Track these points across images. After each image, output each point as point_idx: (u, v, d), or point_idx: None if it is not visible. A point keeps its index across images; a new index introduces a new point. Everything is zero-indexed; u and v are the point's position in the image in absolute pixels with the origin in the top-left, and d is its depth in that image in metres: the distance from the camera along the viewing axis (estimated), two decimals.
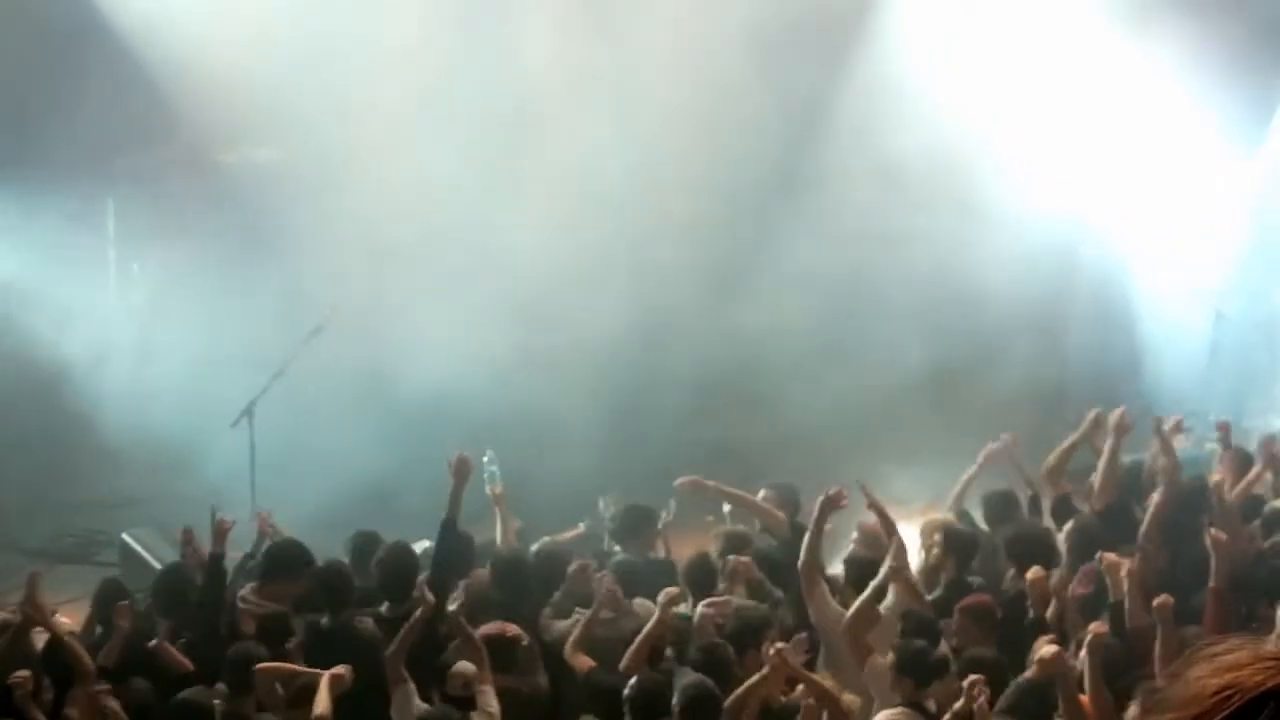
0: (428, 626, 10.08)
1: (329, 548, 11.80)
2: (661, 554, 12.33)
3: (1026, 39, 16.11)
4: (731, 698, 9.47)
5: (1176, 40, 15.40)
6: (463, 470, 11.19)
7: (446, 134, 14.80)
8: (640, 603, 11.05)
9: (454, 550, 11.37)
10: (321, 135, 14.77)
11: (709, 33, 15.19)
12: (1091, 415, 12.73)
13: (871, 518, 11.45)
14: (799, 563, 10.95)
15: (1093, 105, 16.19)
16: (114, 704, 9.69)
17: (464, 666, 9.84)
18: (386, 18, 15.00)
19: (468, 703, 9.68)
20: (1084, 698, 9.55)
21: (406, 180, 14.65)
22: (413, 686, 9.75)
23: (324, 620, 10.62)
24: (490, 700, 9.69)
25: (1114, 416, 12.42)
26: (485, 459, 12.26)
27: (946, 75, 15.95)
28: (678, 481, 12.39)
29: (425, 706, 9.76)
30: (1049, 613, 10.79)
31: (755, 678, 9.58)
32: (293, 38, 14.86)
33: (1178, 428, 13.01)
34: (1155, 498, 11.82)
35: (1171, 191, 16.19)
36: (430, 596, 10.15)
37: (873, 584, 10.60)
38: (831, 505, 10.83)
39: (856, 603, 10.46)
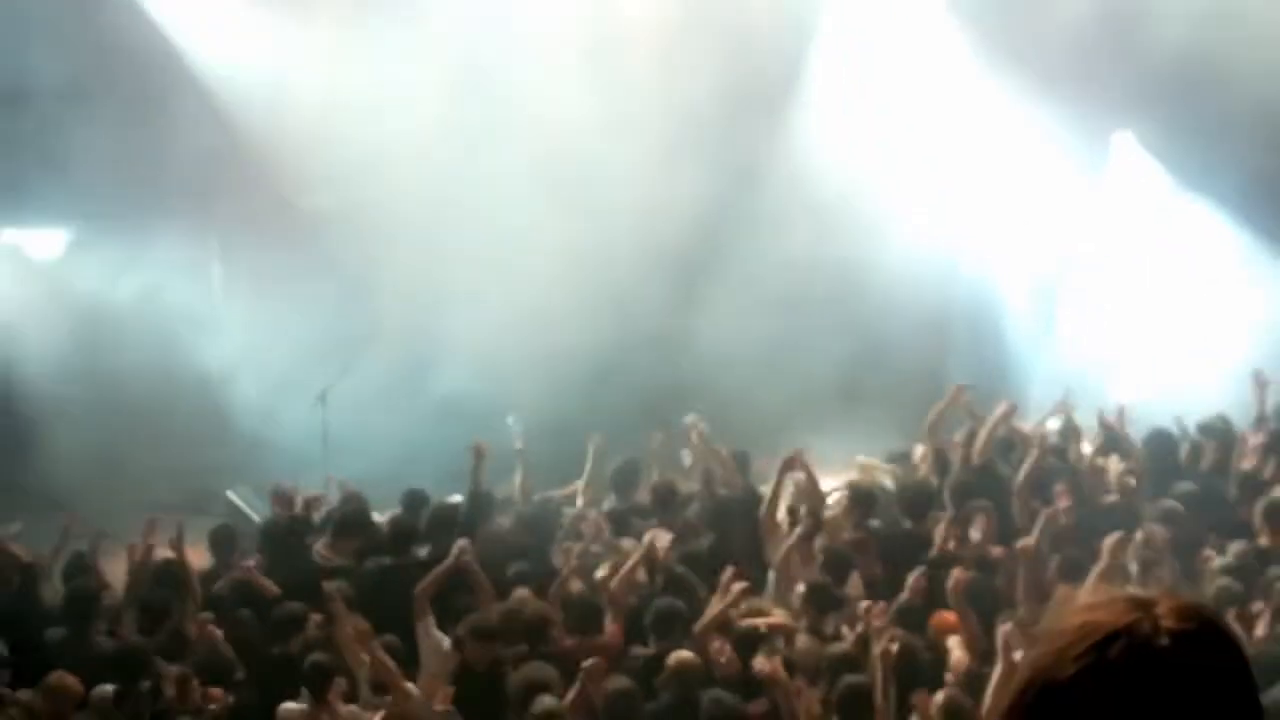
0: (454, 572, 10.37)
1: (387, 505, 12.44)
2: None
3: (913, 97, 16.64)
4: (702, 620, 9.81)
5: (1030, 82, 15.83)
6: (480, 452, 12.09)
7: (475, 178, 15.41)
8: (628, 541, 11.44)
9: (478, 506, 12.06)
10: (378, 181, 15.30)
11: (670, 92, 15.72)
12: (953, 390, 13.21)
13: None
14: (761, 512, 11.52)
15: (968, 149, 16.65)
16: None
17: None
18: (429, 83, 15.42)
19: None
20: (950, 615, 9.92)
21: (444, 216, 15.21)
22: (433, 619, 10.01)
23: (387, 561, 11.13)
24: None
25: (1001, 407, 12.96)
26: (510, 420, 12.94)
27: (856, 129, 16.41)
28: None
29: (441, 635, 9.99)
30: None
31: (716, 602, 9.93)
32: (352, 99, 15.50)
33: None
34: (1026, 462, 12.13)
35: (1028, 210, 16.67)
36: (463, 546, 10.42)
37: (796, 532, 11.13)
38: (789, 466, 11.58)
39: (784, 545, 11.09)
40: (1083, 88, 15.97)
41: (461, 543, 10.60)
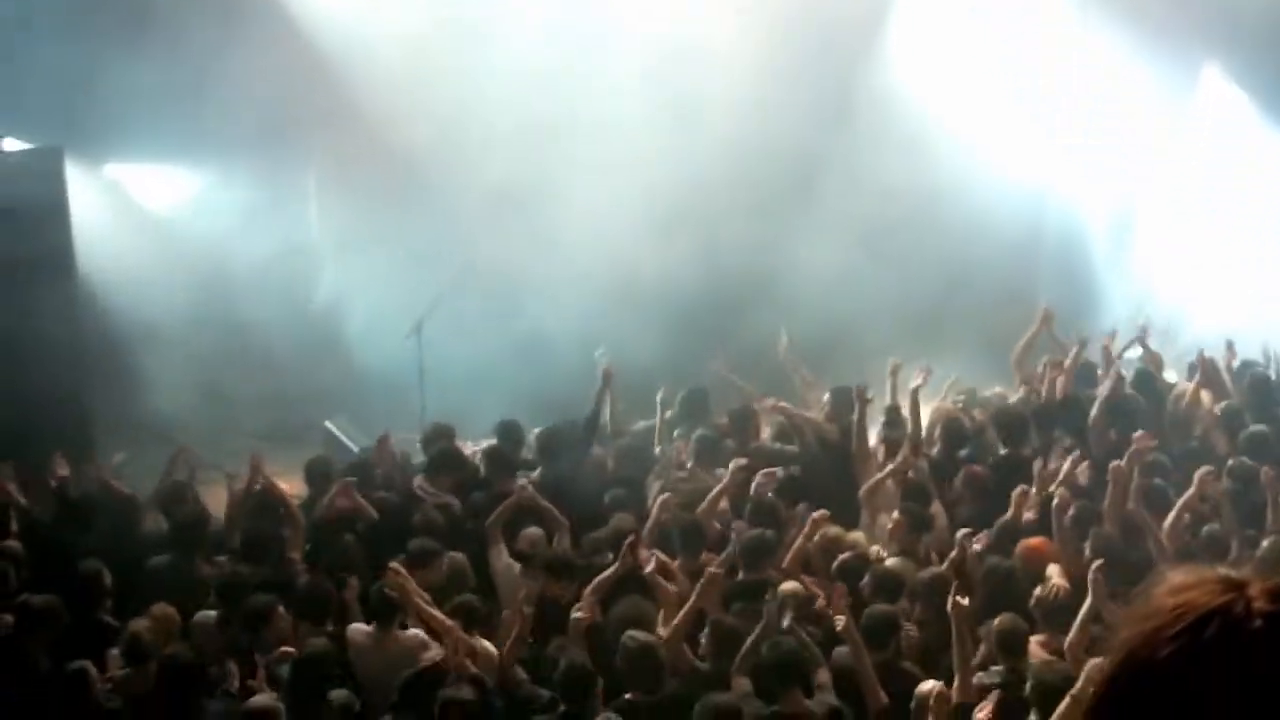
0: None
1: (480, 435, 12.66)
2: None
3: (1003, 26, 16.38)
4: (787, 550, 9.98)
5: (1121, 10, 15.90)
6: (608, 375, 12.26)
7: (568, 114, 15.38)
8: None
9: (592, 429, 12.21)
10: (470, 116, 15.29)
11: (755, 34, 15.49)
12: (1041, 312, 13.27)
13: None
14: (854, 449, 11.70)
15: (1058, 77, 16.44)
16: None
17: (531, 532, 10.58)
18: (523, 16, 15.47)
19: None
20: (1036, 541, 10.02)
21: (536, 151, 15.16)
22: (503, 545, 10.39)
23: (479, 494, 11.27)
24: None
25: (1075, 346, 13.00)
26: (598, 353, 12.76)
27: (945, 58, 16.32)
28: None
29: (512, 563, 10.32)
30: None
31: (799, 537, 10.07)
32: (445, 33, 15.38)
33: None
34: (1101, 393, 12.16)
35: (1116, 139, 16.47)
36: (527, 485, 10.69)
37: (889, 467, 11.24)
38: (861, 398, 11.61)
39: (871, 480, 11.21)
40: (1172, 18, 15.76)
41: (521, 480, 10.87)
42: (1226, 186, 16.33)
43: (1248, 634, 2.01)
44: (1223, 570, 2.12)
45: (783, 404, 12.49)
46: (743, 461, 11.04)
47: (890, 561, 10.01)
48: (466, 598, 9.59)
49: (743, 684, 8.61)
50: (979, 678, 8.35)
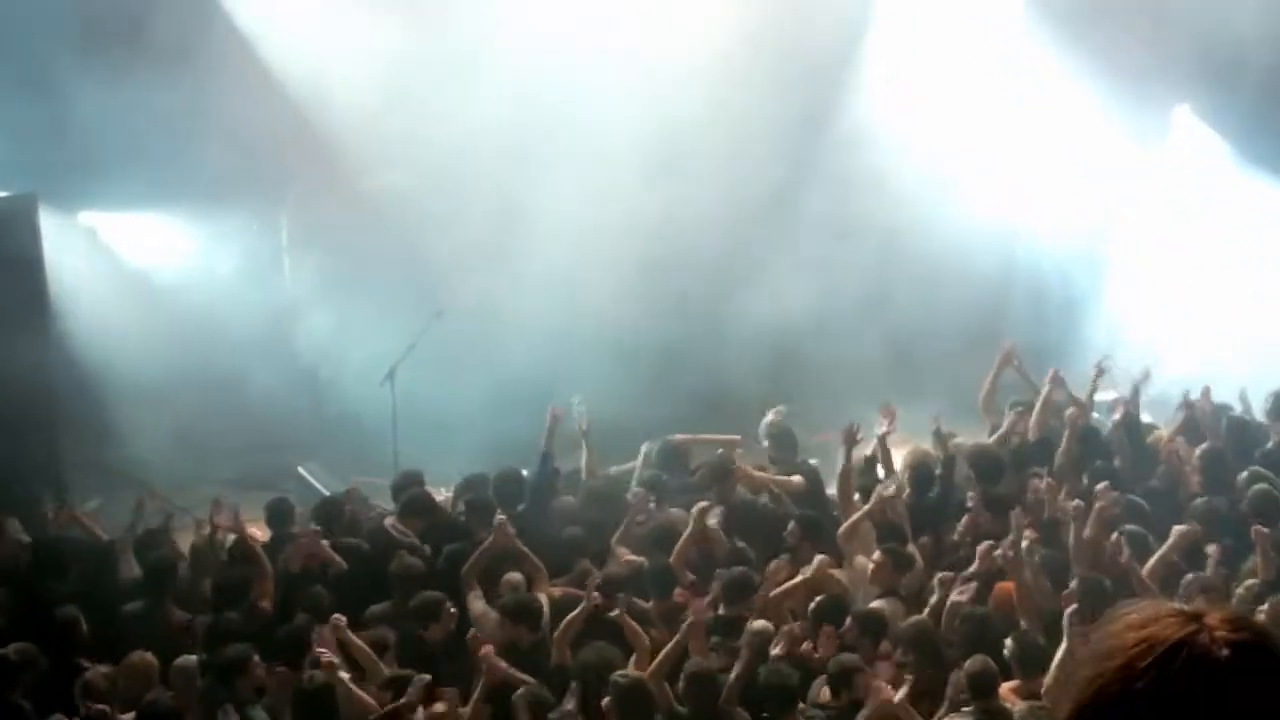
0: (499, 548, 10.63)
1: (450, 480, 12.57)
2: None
3: (974, 67, 16.43)
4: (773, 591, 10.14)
5: (1091, 54, 15.72)
6: (555, 418, 12.07)
7: (540, 158, 15.29)
8: (675, 512, 11.57)
9: (545, 477, 12.10)
10: (440, 162, 15.17)
11: (729, 77, 15.35)
12: (1004, 349, 13.15)
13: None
14: (837, 489, 11.60)
15: (1028, 119, 16.41)
16: None
17: (512, 577, 10.51)
18: (495, 65, 15.30)
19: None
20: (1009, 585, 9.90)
21: (509, 197, 15.24)
22: (479, 591, 10.43)
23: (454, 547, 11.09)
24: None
25: (1049, 376, 12.81)
26: (575, 401, 12.57)
27: (915, 99, 16.29)
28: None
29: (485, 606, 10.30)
30: None
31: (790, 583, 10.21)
32: (419, 82, 15.28)
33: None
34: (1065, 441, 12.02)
35: (1086, 181, 16.39)
36: (506, 526, 10.64)
37: (863, 509, 11.12)
38: (850, 438, 11.45)
39: (847, 523, 11.09)
40: (1143, 60, 15.80)
41: (500, 518, 10.81)
42: (1198, 226, 16.34)
43: (1215, 663, 2.04)
44: (1175, 604, 2.15)
45: (748, 470, 12.35)
46: (704, 505, 11.07)
47: (876, 603, 10.06)
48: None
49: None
50: (952, 719, 8.39)
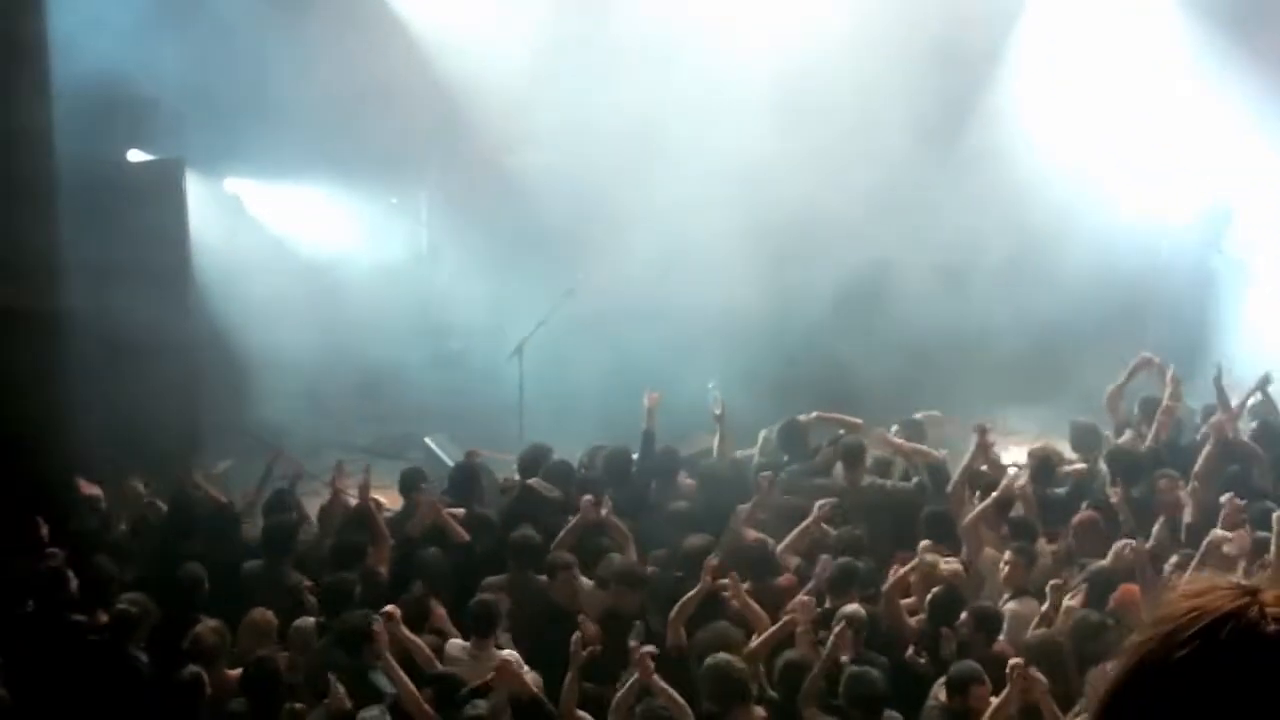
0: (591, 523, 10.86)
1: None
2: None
3: (1120, 69, 15.99)
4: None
5: (1240, 56, 15.35)
6: (653, 401, 12.28)
7: (673, 145, 15.15)
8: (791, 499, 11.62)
9: (651, 456, 12.26)
10: (578, 141, 15.19)
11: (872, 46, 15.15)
12: (1138, 360, 12.89)
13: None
14: (951, 484, 11.57)
15: (1174, 121, 15.88)
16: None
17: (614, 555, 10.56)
18: (632, 50, 15.31)
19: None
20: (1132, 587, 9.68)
21: (643, 178, 15.04)
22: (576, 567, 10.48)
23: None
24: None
25: (1169, 385, 12.50)
26: (710, 385, 12.66)
27: (1059, 101, 15.97)
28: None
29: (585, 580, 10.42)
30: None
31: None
32: (559, 65, 15.46)
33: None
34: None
35: (1230, 185, 16.01)
36: (591, 504, 10.83)
37: (986, 501, 11.09)
38: (983, 445, 11.56)
39: (972, 513, 11.09)
40: None
41: (587, 498, 10.96)
42: None
43: (1261, 638, 2.02)
44: (1236, 578, 2.11)
45: (891, 437, 12.29)
46: (832, 501, 11.05)
47: (1011, 604, 10.01)
48: None
49: (814, 715, 8.66)
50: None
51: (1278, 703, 1.99)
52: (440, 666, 9.23)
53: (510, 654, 9.18)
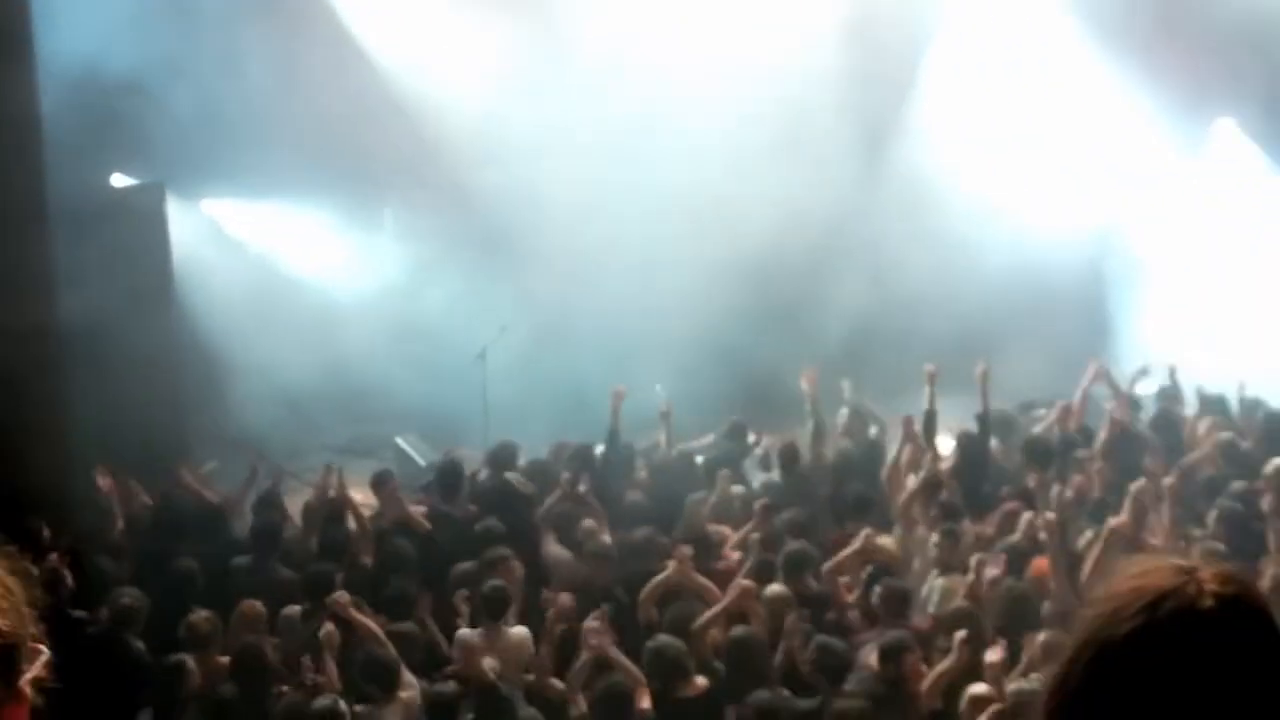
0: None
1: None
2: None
3: (1026, 85, 16.24)
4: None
5: (1138, 72, 15.69)
6: (618, 396, 12.50)
7: (621, 161, 15.16)
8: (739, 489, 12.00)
9: (617, 449, 12.59)
10: (530, 160, 15.32)
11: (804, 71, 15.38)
12: (1093, 368, 13.37)
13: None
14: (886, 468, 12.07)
15: (1078, 134, 16.22)
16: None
17: (587, 523, 10.96)
18: (583, 78, 15.44)
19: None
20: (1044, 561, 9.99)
21: (594, 195, 15.18)
22: (554, 536, 10.99)
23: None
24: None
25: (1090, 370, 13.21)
26: (657, 387, 13.11)
27: (971, 117, 16.24)
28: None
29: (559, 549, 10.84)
30: None
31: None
32: (515, 91, 15.67)
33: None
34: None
35: (1132, 191, 16.25)
36: (570, 480, 11.34)
37: (916, 485, 11.46)
38: (910, 433, 12.00)
39: (904, 497, 11.43)
40: (1187, 76, 15.67)
41: (566, 475, 11.46)
42: (1233, 232, 16.16)
43: (1199, 613, 2.07)
44: (1175, 558, 2.18)
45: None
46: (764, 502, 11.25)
47: (939, 581, 10.21)
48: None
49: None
50: (1019, 684, 8.34)
51: (1215, 671, 2.05)
52: (391, 649, 9.25)
53: (521, 630, 9.50)
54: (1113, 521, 10.04)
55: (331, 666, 8.97)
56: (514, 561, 10.25)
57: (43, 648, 2.06)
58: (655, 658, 8.94)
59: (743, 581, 9.70)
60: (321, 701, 8.44)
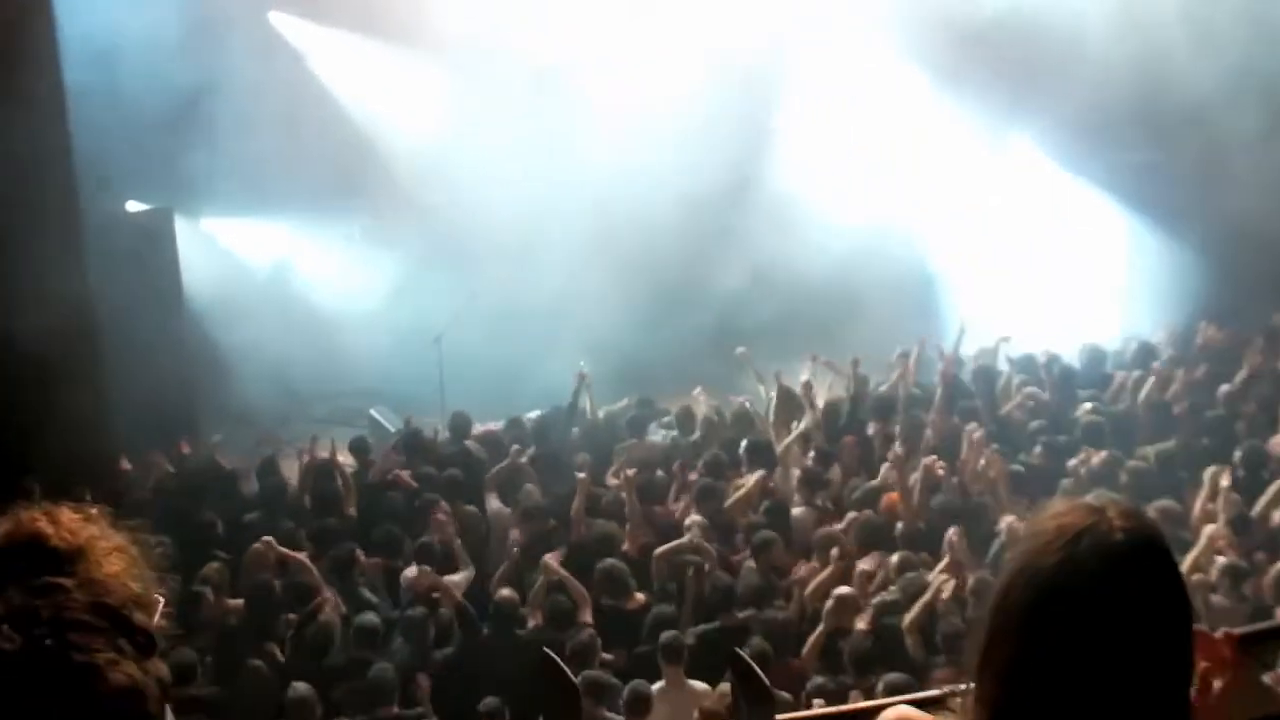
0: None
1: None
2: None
3: (864, 113, 16.30)
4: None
5: (958, 97, 15.89)
6: (582, 378, 12.68)
7: (546, 178, 15.35)
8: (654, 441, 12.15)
9: (570, 415, 12.71)
10: (472, 180, 15.21)
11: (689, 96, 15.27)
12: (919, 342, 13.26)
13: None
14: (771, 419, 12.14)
15: (908, 151, 16.25)
16: None
17: (530, 486, 10.98)
18: (513, 113, 15.45)
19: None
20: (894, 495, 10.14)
21: (526, 207, 15.26)
22: (496, 494, 11.06)
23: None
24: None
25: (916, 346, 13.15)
26: (581, 363, 13.14)
27: (820, 138, 16.21)
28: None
29: (500, 505, 10.83)
30: None
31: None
32: (460, 124, 15.55)
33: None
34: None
35: (948, 197, 16.27)
36: (518, 452, 11.34)
37: (791, 437, 11.66)
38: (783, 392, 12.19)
39: (781, 446, 11.52)
40: (996, 99, 15.89)
41: (515, 447, 11.47)
42: (1029, 223, 16.30)
43: (1112, 544, 2.06)
44: (1088, 499, 2.18)
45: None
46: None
47: (796, 511, 10.35)
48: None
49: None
50: (882, 596, 8.63)
51: (1128, 594, 2.04)
52: (315, 574, 9.50)
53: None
54: (926, 461, 10.31)
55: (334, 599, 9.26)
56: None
57: (159, 596, 2.08)
58: (605, 577, 9.18)
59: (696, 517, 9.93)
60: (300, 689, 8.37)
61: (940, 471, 10.28)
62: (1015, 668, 2.04)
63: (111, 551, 2.03)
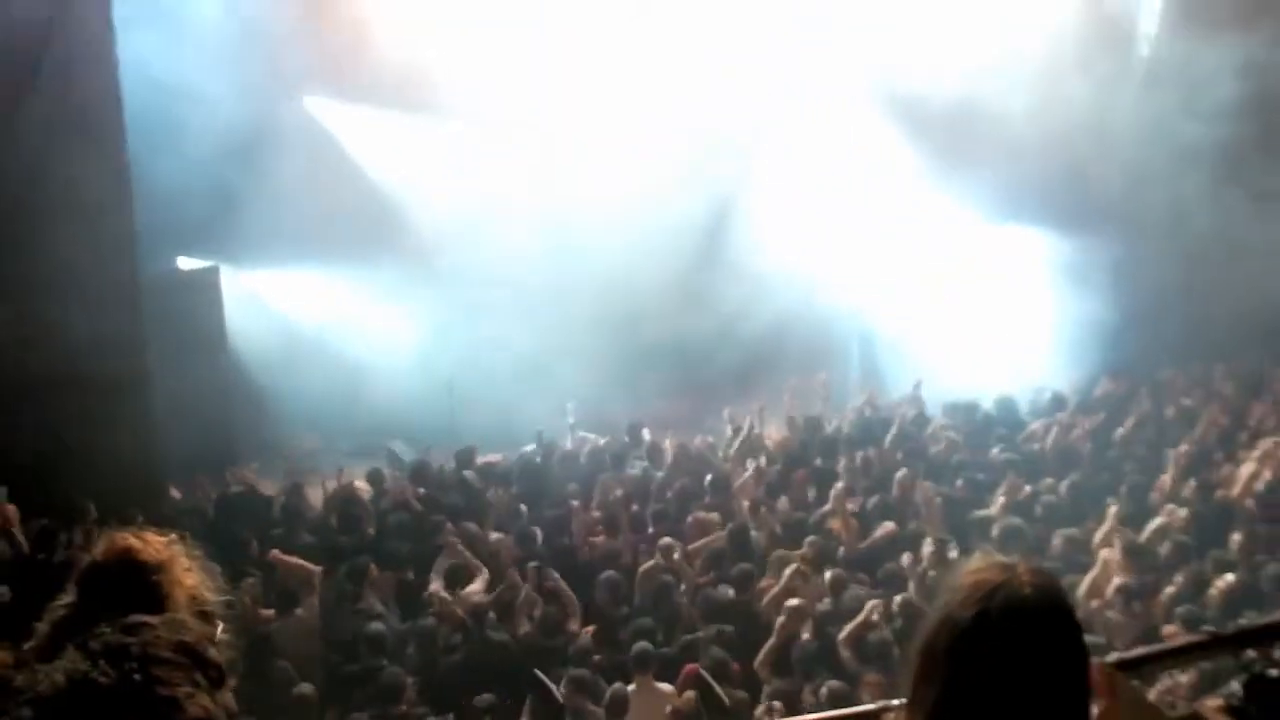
0: None
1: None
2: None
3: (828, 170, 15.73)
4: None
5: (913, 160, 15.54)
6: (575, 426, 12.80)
7: (542, 242, 15.14)
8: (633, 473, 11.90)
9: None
10: (487, 246, 15.22)
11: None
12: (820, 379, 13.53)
13: None
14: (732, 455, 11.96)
15: (857, 203, 15.76)
16: None
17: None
18: (516, 183, 15.32)
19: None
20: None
21: (529, 267, 15.22)
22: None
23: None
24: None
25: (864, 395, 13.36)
26: (569, 405, 13.18)
27: (788, 198, 15.82)
28: None
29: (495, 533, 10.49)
30: None
31: None
32: (469, 192, 15.42)
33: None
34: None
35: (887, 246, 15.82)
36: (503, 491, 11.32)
37: (746, 475, 11.36)
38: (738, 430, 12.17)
39: (738, 483, 11.26)
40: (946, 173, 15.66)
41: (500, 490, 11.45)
42: (967, 271, 15.95)
43: (1023, 599, 2.05)
44: (1000, 558, 2.15)
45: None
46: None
47: (754, 534, 10.23)
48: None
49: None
50: (821, 608, 8.59)
51: (1037, 645, 2.04)
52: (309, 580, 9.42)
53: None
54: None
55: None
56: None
57: (220, 622, 2.19)
58: (606, 586, 9.18)
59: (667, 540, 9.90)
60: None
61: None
62: (939, 706, 2.05)
63: (189, 567, 2.18)
